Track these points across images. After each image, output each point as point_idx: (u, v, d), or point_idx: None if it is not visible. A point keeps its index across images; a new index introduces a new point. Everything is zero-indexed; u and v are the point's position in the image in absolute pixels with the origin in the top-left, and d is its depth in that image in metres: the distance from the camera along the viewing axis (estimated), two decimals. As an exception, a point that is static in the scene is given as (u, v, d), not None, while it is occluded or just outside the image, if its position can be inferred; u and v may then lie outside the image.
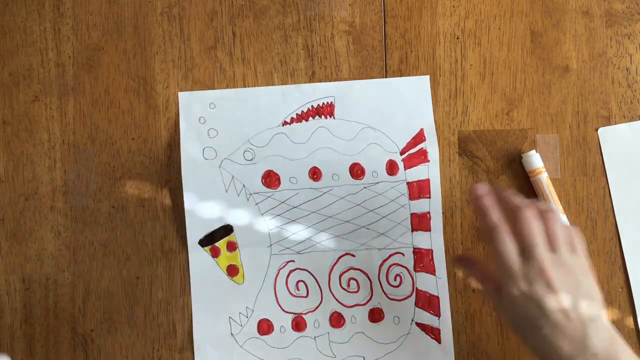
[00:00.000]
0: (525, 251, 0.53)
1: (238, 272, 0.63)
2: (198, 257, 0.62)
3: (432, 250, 0.63)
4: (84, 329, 0.62)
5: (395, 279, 0.63)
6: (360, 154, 0.63)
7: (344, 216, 0.63)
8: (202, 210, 0.63)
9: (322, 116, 0.64)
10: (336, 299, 0.63)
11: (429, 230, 0.63)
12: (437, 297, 0.62)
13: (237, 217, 0.63)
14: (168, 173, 0.64)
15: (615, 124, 0.64)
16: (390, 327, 0.62)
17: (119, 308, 0.63)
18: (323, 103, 0.64)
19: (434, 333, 0.62)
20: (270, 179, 0.63)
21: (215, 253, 0.63)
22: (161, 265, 0.63)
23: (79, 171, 0.64)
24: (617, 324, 0.62)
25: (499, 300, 0.54)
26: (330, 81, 0.64)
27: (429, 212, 0.63)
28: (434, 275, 0.63)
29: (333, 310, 0.62)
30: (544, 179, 0.62)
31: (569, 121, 0.64)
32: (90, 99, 0.64)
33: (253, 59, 0.64)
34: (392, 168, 0.63)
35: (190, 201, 0.63)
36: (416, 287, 0.63)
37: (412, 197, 0.63)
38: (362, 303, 0.63)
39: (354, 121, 0.64)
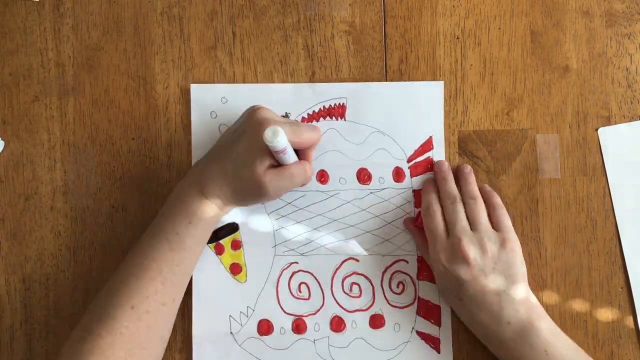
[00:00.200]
0: (449, 229, 0.59)
1: (241, 271, 0.63)
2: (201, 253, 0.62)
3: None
4: (84, 329, 0.62)
5: (398, 286, 0.63)
6: (368, 159, 0.63)
7: (349, 220, 0.63)
8: None
9: (333, 117, 0.64)
10: (338, 303, 0.62)
11: None
12: (439, 307, 0.62)
13: (243, 216, 0.63)
14: (168, 173, 0.64)
15: (615, 124, 0.64)
16: (390, 334, 0.62)
17: (119, 308, 0.63)
18: (335, 104, 0.64)
19: (433, 342, 0.62)
20: None
21: (219, 250, 0.63)
22: (161, 265, 0.63)
23: (79, 171, 0.64)
24: (617, 324, 0.62)
25: (431, 266, 0.61)
26: (330, 81, 0.64)
27: None
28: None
29: (334, 314, 0.62)
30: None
31: (569, 121, 0.64)
32: (90, 99, 0.64)
33: (253, 59, 0.64)
34: (398, 175, 0.63)
35: None
36: (418, 296, 0.63)
37: (417, 205, 0.63)
38: (364, 308, 0.62)
39: (364, 124, 0.63)
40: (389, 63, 0.64)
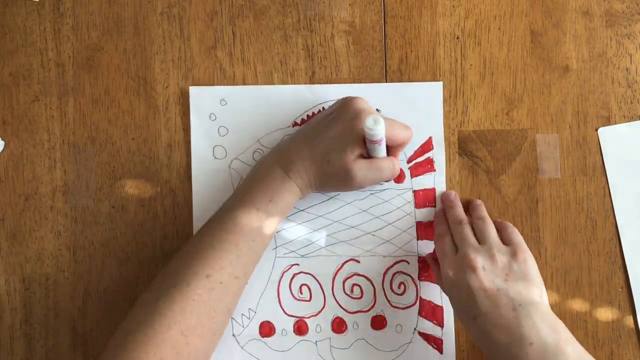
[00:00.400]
0: (456, 243, 0.58)
1: (239, 272, 0.62)
2: None
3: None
4: (84, 329, 0.62)
5: (399, 287, 0.63)
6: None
7: (350, 222, 0.63)
8: (210, 210, 0.62)
9: None
10: (339, 305, 0.62)
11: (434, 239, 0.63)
12: (441, 307, 0.62)
13: None
14: (168, 173, 0.64)
15: (615, 124, 0.64)
16: (392, 335, 0.62)
17: (119, 308, 0.63)
18: None
19: (436, 343, 0.62)
20: None
21: (217, 253, 0.63)
22: (161, 266, 0.63)
23: (79, 171, 0.64)
24: (617, 324, 0.62)
25: (444, 290, 0.59)
26: (330, 81, 0.64)
27: (434, 222, 0.63)
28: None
29: (335, 316, 0.62)
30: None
31: (569, 121, 0.64)
32: (90, 99, 0.64)
33: (253, 59, 0.64)
34: (398, 176, 0.63)
35: (198, 200, 0.63)
36: (420, 296, 0.63)
37: (417, 206, 0.63)
38: (365, 310, 0.62)
39: None
40: (389, 63, 0.64)
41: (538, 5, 0.65)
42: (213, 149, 0.63)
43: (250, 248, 0.56)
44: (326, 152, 0.56)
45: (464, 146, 0.64)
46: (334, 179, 0.57)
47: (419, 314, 0.62)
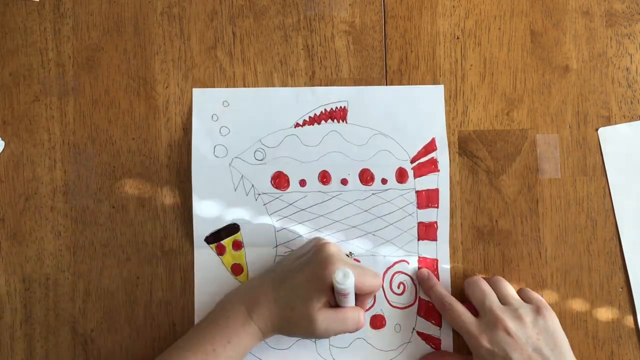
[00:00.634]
0: (478, 310, 0.56)
1: (242, 272, 0.63)
2: (203, 254, 0.62)
3: (437, 260, 0.63)
4: (84, 329, 0.62)
5: (398, 287, 0.63)
6: (370, 160, 0.63)
7: (351, 221, 0.63)
8: (209, 208, 0.63)
9: (335, 120, 0.64)
10: None
11: (435, 239, 0.63)
12: None
13: (245, 217, 0.63)
14: (168, 173, 0.64)
15: (615, 124, 0.64)
16: (391, 334, 0.62)
17: (119, 308, 0.63)
18: (336, 107, 0.64)
19: (434, 343, 0.62)
20: (280, 180, 0.63)
21: (220, 251, 0.63)
22: (161, 265, 0.63)
23: (79, 171, 0.64)
24: (617, 324, 0.62)
25: None
26: (330, 81, 0.64)
27: (436, 222, 0.63)
28: None
29: None
30: None
31: (569, 121, 0.64)
32: (90, 99, 0.64)
33: (253, 59, 0.64)
34: (401, 176, 0.63)
35: (198, 198, 0.63)
36: (419, 296, 0.63)
37: (420, 206, 0.63)
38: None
39: (366, 127, 0.63)
40: (389, 63, 0.64)
41: (538, 5, 0.65)
42: (214, 148, 0.63)
43: None
44: (291, 298, 0.55)
45: (464, 146, 0.64)
46: (296, 327, 0.56)
47: (418, 313, 0.62)
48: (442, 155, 0.63)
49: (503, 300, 0.57)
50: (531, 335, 0.55)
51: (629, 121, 0.64)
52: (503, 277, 0.61)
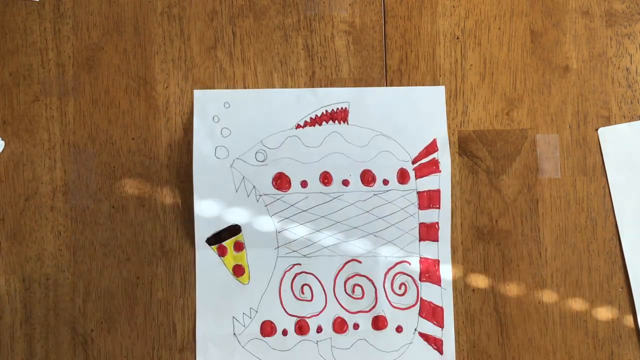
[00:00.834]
0: None
1: (244, 273, 0.63)
2: (205, 255, 0.62)
3: (438, 261, 0.63)
4: (84, 329, 0.62)
5: (400, 288, 0.63)
6: (371, 161, 0.63)
7: (352, 222, 0.63)
8: (211, 209, 0.63)
9: (336, 121, 0.64)
10: (340, 305, 0.62)
11: (437, 240, 0.63)
12: (442, 308, 0.62)
13: (246, 218, 0.63)
14: (168, 173, 0.64)
15: (615, 124, 0.64)
16: (393, 335, 0.62)
17: (119, 308, 0.63)
18: (337, 108, 0.64)
19: (436, 344, 0.62)
20: (281, 181, 0.63)
21: (222, 252, 0.63)
22: (161, 265, 0.63)
23: (79, 171, 0.64)
24: (617, 324, 0.62)
25: None
26: (331, 81, 0.64)
27: (437, 223, 0.63)
28: (439, 286, 0.63)
29: (337, 316, 0.62)
30: None
31: (569, 121, 0.64)
32: (90, 99, 0.64)
33: (253, 59, 0.64)
34: (403, 177, 0.63)
35: (199, 199, 0.63)
36: (421, 297, 0.63)
37: (421, 207, 0.63)
38: (366, 310, 0.62)
39: (368, 128, 0.64)
40: (389, 63, 0.64)
41: (538, 5, 0.65)
42: (215, 149, 0.63)
43: None
44: None
45: (464, 146, 0.64)
46: None
47: (420, 314, 0.62)
48: (444, 156, 0.63)
49: None
50: None
51: (629, 121, 0.64)
52: (503, 277, 0.61)
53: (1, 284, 0.63)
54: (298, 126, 0.64)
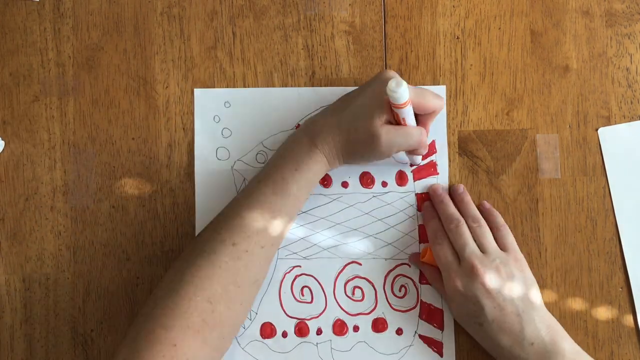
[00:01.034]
0: (459, 254, 0.58)
1: (241, 273, 0.62)
2: None
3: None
4: (84, 329, 0.62)
5: (400, 290, 0.63)
6: (370, 163, 0.63)
7: (352, 224, 0.63)
8: (212, 211, 0.62)
9: None
10: (340, 307, 0.62)
11: None
12: (441, 310, 0.62)
13: None
14: (168, 173, 0.64)
15: (615, 124, 0.64)
16: (393, 338, 0.62)
17: (119, 308, 0.63)
18: None
19: (436, 346, 0.62)
20: None
21: (219, 253, 0.63)
22: (161, 265, 0.63)
23: (79, 171, 0.64)
24: (617, 324, 0.62)
25: (446, 297, 0.60)
26: (331, 81, 0.64)
27: None
28: None
29: (337, 318, 0.62)
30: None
31: (569, 121, 0.64)
32: (90, 99, 0.64)
33: (253, 59, 0.64)
34: (401, 179, 0.63)
35: (200, 200, 0.63)
36: (421, 299, 0.62)
37: (420, 209, 0.63)
38: (366, 312, 0.62)
39: None
40: (389, 63, 0.64)
41: (538, 5, 0.65)
42: (216, 150, 0.63)
43: (276, 217, 0.56)
44: (353, 119, 0.57)
45: (464, 146, 0.64)
46: (360, 145, 0.57)
47: (420, 316, 0.62)
48: (442, 159, 0.63)
49: (480, 247, 0.58)
50: (504, 286, 0.56)
51: (629, 121, 0.64)
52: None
53: (1, 284, 0.63)
54: (298, 126, 0.64)
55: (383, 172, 0.63)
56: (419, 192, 0.63)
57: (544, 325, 0.56)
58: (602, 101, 0.64)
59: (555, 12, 0.65)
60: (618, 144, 0.64)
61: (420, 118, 0.58)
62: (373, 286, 0.63)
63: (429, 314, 0.62)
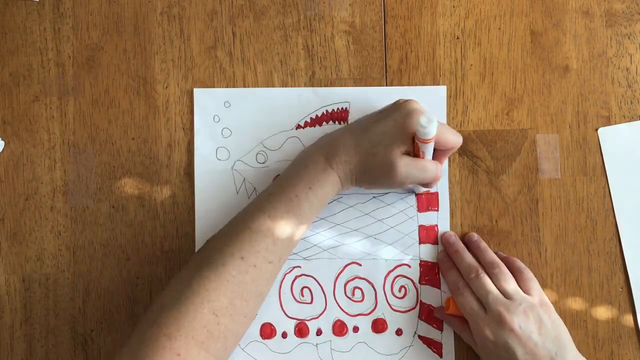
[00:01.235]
0: (483, 303, 0.58)
1: (239, 273, 0.62)
2: None
3: (438, 264, 0.63)
4: (84, 329, 0.62)
5: (400, 291, 0.63)
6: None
7: (352, 225, 0.63)
8: (211, 211, 0.62)
9: (336, 122, 0.63)
10: (340, 307, 0.62)
11: (437, 243, 0.63)
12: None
13: None
14: (168, 173, 0.64)
15: (615, 124, 0.64)
16: (392, 338, 0.62)
17: (119, 308, 0.63)
18: (338, 108, 0.64)
19: (436, 347, 0.62)
20: None
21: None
22: (161, 265, 0.63)
23: (79, 171, 0.64)
24: (617, 324, 0.62)
25: (475, 347, 0.59)
26: (331, 81, 0.64)
27: (436, 225, 0.63)
28: (439, 289, 0.62)
29: (336, 319, 0.62)
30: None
31: (569, 121, 0.64)
32: (90, 99, 0.64)
33: (253, 59, 0.64)
34: None
35: (200, 200, 0.63)
36: (420, 300, 0.62)
37: (420, 209, 0.63)
38: (366, 313, 0.62)
39: None
40: (389, 63, 0.64)
41: (538, 5, 0.65)
42: (216, 150, 0.63)
43: (286, 235, 0.56)
44: (373, 145, 0.57)
45: (464, 146, 0.64)
46: (376, 172, 0.57)
47: (419, 317, 0.62)
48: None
49: (504, 293, 0.58)
50: (534, 330, 0.56)
51: (629, 121, 0.64)
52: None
53: (1, 284, 0.63)
54: (298, 126, 0.64)
55: None
56: (419, 192, 0.63)
57: None
58: (602, 101, 0.64)
59: (555, 12, 0.65)
60: (618, 144, 0.64)
61: (436, 152, 0.58)
62: (373, 287, 0.63)
63: (429, 315, 0.62)
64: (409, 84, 0.64)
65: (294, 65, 0.64)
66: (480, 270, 0.59)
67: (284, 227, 0.56)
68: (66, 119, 0.64)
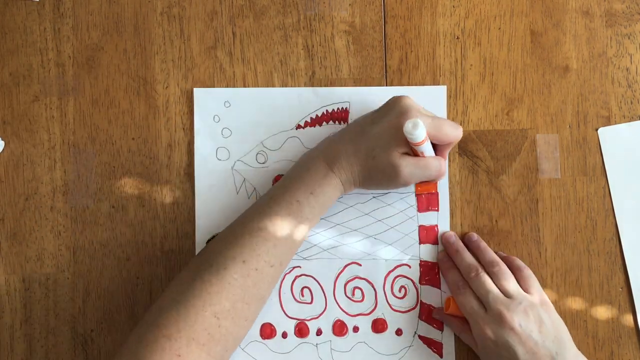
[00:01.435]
0: (483, 302, 0.58)
1: (240, 273, 0.62)
2: None
3: (438, 264, 0.63)
4: (84, 329, 0.62)
5: (400, 291, 0.63)
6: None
7: (352, 225, 0.63)
8: (212, 211, 0.62)
9: (336, 122, 0.63)
10: (340, 307, 0.62)
11: (437, 243, 0.63)
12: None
13: None
14: (168, 173, 0.64)
15: (615, 124, 0.64)
16: (392, 338, 0.62)
17: (119, 308, 0.63)
18: (338, 108, 0.64)
19: (436, 347, 0.62)
20: None
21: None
22: (161, 265, 0.63)
23: (79, 171, 0.64)
24: (617, 324, 0.62)
25: (475, 347, 0.59)
26: (330, 81, 0.64)
27: (436, 225, 0.63)
28: (439, 289, 0.62)
29: (336, 319, 0.62)
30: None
31: (569, 121, 0.64)
32: (90, 99, 0.64)
33: (253, 59, 0.64)
34: None
35: (200, 201, 0.63)
36: (421, 300, 0.62)
37: (420, 210, 0.63)
38: (366, 313, 0.62)
39: None
40: (389, 63, 0.64)
41: (538, 5, 0.65)
42: (216, 150, 0.63)
43: (287, 238, 0.56)
44: (371, 148, 0.57)
45: (464, 146, 0.64)
46: (380, 175, 0.57)
47: (420, 317, 0.62)
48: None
49: (504, 291, 0.58)
50: (534, 329, 0.56)
51: (629, 121, 0.64)
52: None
53: (1, 284, 0.63)
54: (298, 126, 0.64)
55: None
56: (419, 192, 0.63)
57: None
58: (602, 101, 0.64)
59: (555, 12, 0.65)
60: (618, 144, 0.64)
61: (438, 147, 0.59)
62: (373, 287, 0.63)
63: (429, 315, 0.62)
64: (409, 84, 0.64)
65: (294, 65, 0.64)
66: (480, 270, 0.59)
67: (285, 231, 0.56)
68: (66, 119, 0.64)
